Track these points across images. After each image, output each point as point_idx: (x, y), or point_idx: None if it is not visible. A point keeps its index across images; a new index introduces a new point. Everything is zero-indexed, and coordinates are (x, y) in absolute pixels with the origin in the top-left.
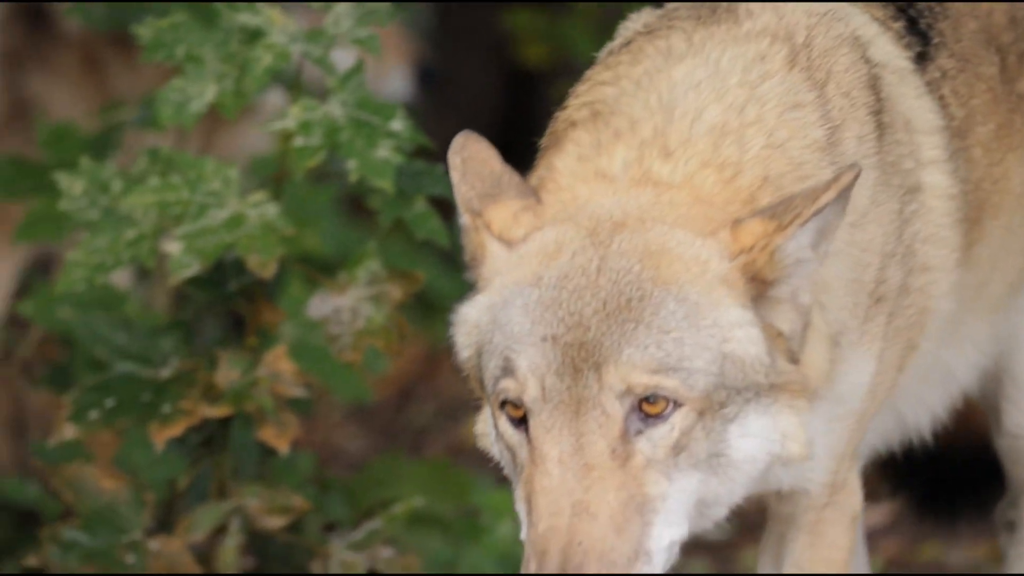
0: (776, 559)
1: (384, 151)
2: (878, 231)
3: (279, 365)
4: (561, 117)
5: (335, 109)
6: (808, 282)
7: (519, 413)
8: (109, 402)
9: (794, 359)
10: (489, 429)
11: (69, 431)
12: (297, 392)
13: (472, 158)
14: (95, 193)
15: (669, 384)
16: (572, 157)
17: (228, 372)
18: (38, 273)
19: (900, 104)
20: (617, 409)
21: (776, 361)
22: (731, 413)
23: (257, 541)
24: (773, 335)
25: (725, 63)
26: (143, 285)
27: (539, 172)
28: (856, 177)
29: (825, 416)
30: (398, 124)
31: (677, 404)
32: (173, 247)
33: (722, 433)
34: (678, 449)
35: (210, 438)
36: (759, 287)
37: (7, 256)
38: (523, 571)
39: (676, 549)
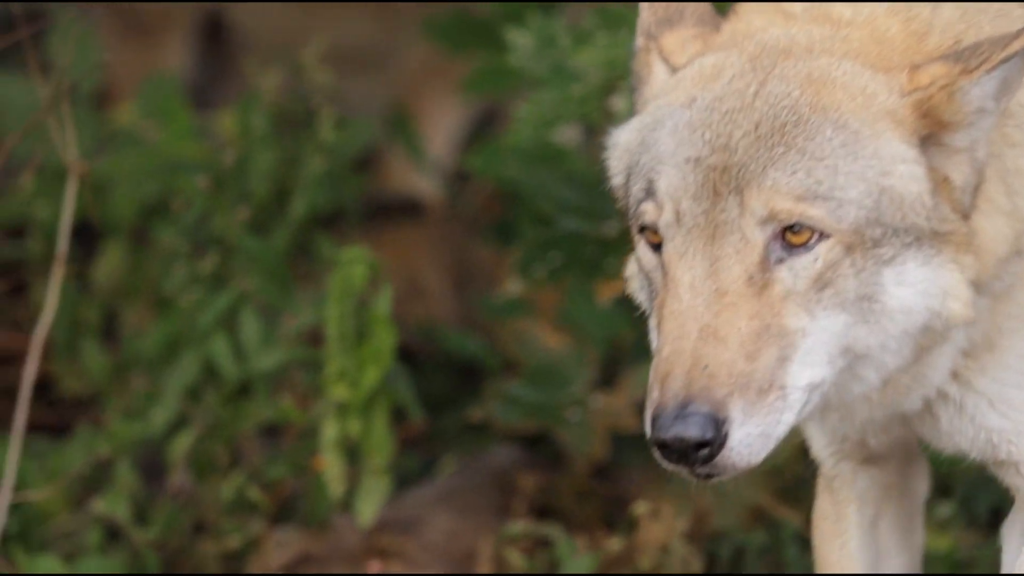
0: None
1: None
2: None
3: None
4: None
5: None
6: (986, 136)
7: (657, 238)
8: (554, 258)
9: (962, 212)
10: (635, 269)
11: (514, 286)
12: None
13: None
14: (543, 48)
15: (815, 212)
16: None
17: None
18: (484, 128)
19: None
20: (757, 235)
21: (940, 207)
22: (887, 255)
23: None
24: (940, 180)
25: None
26: (590, 142)
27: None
28: None
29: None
30: None
31: (823, 235)
32: (620, 104)
33: (875, 275)
34: (822, 284)
35: None
36: (934, 128)
37: (453, 109)
38: (647, 400)
39: (816, 395)
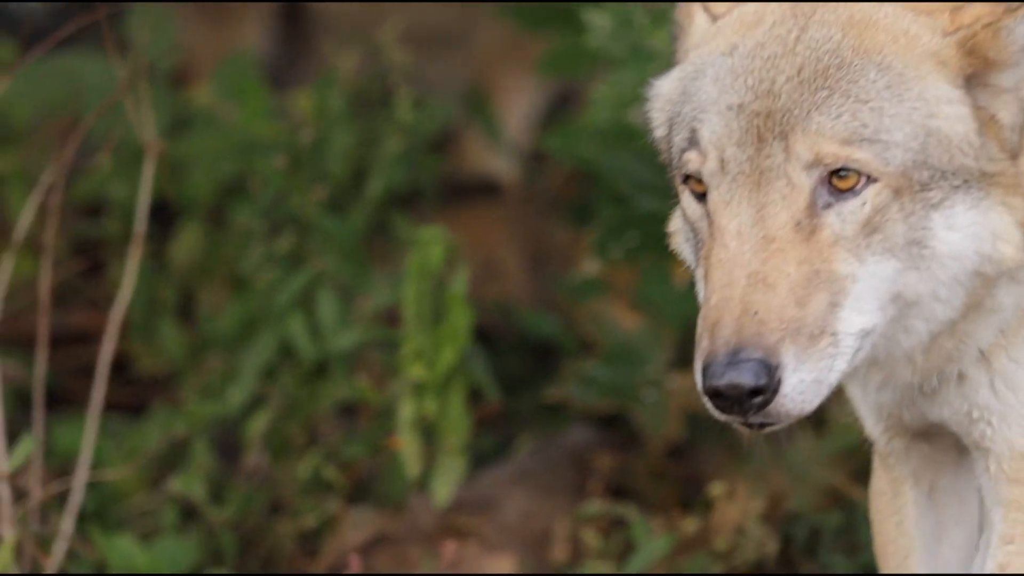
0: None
1: None
2: None
3: None
4: None
5: None
6: None
7: (702, 187)
8: (630, 238)
9: (1010, 152)
10: (681, 223)
11: (590, 266)
12: None
13: None
14: (621, 29)
15: (862, 156)
16: None
17: None
18: (561, 108)
19: None
20: (804, 180)
21: (988, 147)
22: (935, 198)
23: None
24: (986, 119)
25: None
26: None
27: None
28: None
29: None
30: None
31: (871, 179)
32: None
33: (924, 219)
34: (871, 228)
35: None
36: (978, 67)
37: (530, 90)
38: (696, 350)
39: (867, 343)
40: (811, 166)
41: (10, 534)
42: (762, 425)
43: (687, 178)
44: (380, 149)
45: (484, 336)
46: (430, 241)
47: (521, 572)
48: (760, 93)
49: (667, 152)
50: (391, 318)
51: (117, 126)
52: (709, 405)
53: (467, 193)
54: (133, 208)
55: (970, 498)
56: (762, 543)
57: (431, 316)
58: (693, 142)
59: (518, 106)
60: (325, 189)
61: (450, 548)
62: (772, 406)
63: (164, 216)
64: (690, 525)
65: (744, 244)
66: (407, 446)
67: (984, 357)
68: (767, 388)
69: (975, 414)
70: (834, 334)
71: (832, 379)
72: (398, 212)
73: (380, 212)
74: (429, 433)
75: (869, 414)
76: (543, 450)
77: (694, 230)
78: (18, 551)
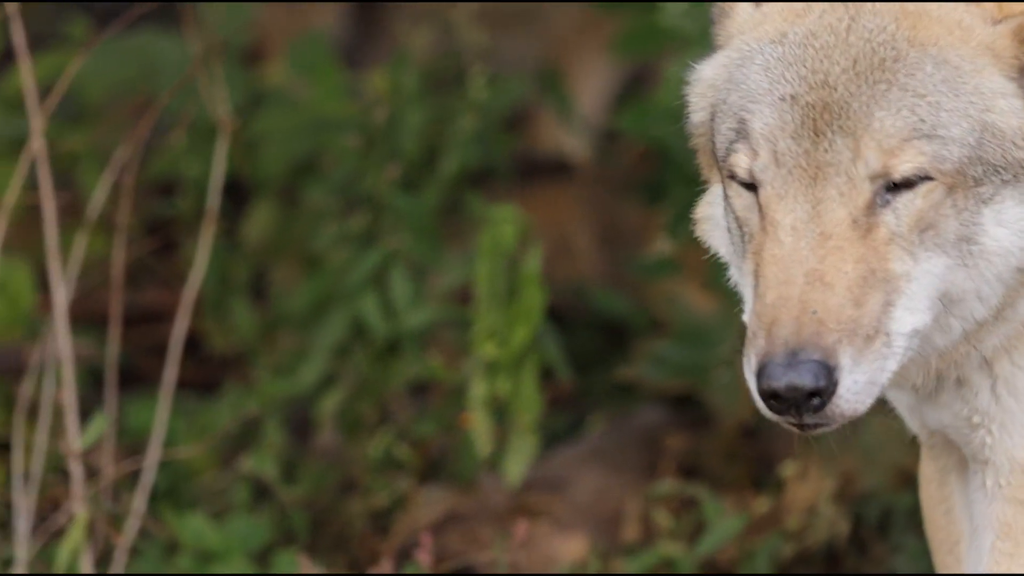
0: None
1: None
2: None
3: None
4: None
5: None
6: None
7: (751, 179)
8: None
9: None
10: (713, 210)
11: (663, 246)
12: None
13: None
14: (694, 8)
15: (922, 157)
16: None
17: None
18: (634, 87)
19: None
20: (865, 175)
21: None
22: (986, 193)
23: None
24: None
25: None
26: None
27: None
28: None
29: None
30: None
31: (927, 176)
32: None
33: (975, 215)
34: (924, 225)
35: None
36: None
37: (603, 68)
38: (749, 349)
39: (916, 342)
40: (876, 176)
41: (82, 512)
42: (814, 426)
43: (734, 171)
44: (453, 127)
45: (556, 315)
46: (503, 220)
47: (592, 551)
48: (814, 84)
49: (705, 138)
50: (463, 297)
51: (190, 104)
52: (762, 406)
53: (540, 172)
54: (206, 186)
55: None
56: (833, 523)
57: (504, 295)
58: (743, 133)
59: (591, 85)
60: (398, 168)
61: (521, 527)
62: (828, 407)
63: (237, 194)
64: (762, 505)
65: (800, 240)
66: (479, 425)
67: (986, 362)
68: (826, 390)
69: (975, 419)
70: (887, 334)
71: (884, 380)
72: (471, 191)
73: (453, 191)
74: (501, 412)
75: (902, 410)
76: (615, 430)
77: (739, 221)
78: (90, 529)
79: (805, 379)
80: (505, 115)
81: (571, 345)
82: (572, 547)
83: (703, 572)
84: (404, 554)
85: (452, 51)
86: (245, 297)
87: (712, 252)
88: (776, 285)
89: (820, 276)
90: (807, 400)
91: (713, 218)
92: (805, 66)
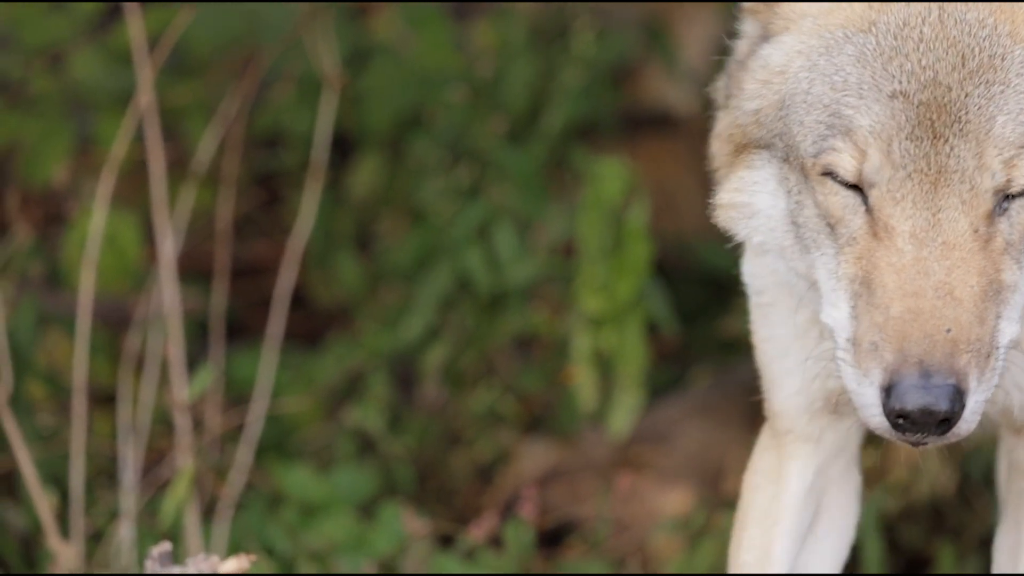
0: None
1: None
2: None
3: None
4: None
5: None
6: None
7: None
8: None
9: None
10: (743, 197)
11: None
12: None
13: None
14: None
15: None
16: None
17: None
18: None
19: None
20: (989, 186)
21: None
22: None
23: None
24: None
25: None
26: None
27: None
28: None
29: None
30: None
31: None
32: None
33: None
34: None
35: None
36: None
37: (707, 20)
38: (868, 360)
39: (1004, 355)
40: (1000, 187)
41: (188, 464)
42: (931, 443)
43: (828, 169)
44: (559, 81)
45: (661, 269)
46: (608, 174)
47: (695, 504)
48: (925, 82)
49: (761, 128)
50: (568, 250)
51: (297, 58)
52: (880, 421)
53: (645, 125)
54: (312, 140)
55: (851, 510)
56: (938, 478)
57: (609, 249)
58: (841, 129)
59: (696, 37)
60: (504, 121)
61: (625, 480)
62: (952, 430)
63: (343, 148)
64: (867, 459)
65: (922, 249)
66: (583, 378)
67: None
68: (958, 415)
69: None
70: (997, 348)
71: (990, 395)
72: (576, 145)
73: (559, 145)
74: (605, 366)
75: (812, 392)
76: (719, 383)
77: (830, 219)
78: (196, 481)
79: (941, 405)
80: (611, 69)
81: (675, 299)
82: (675, 500)
83: None
84: (508, 507)
85: (558, 5)
86: (350, 250)
87: (739, 238)
88: (903, 297)
89: (950, 290)
90: (938, 425)
91: (746, 205)
92: (908, 60)
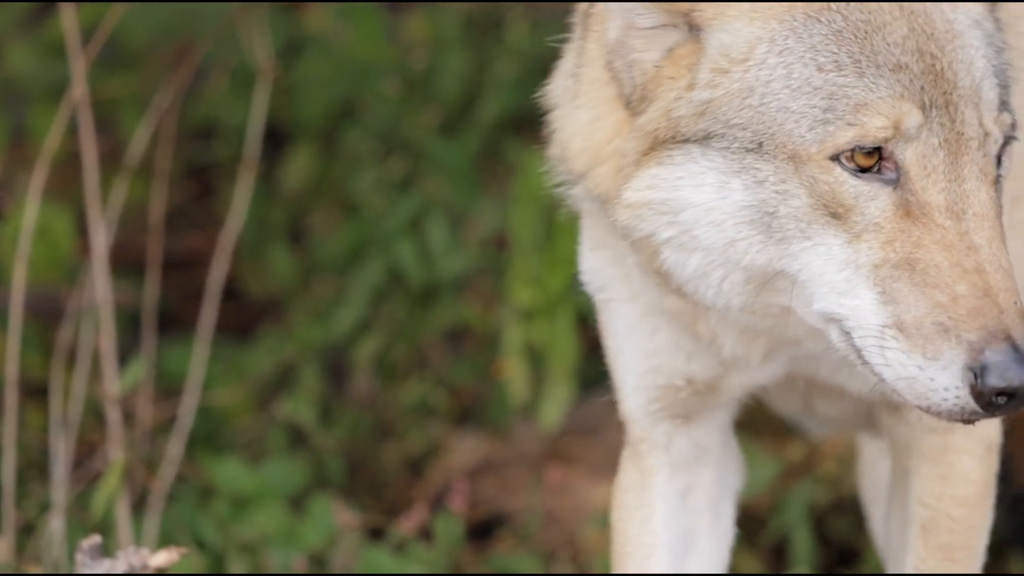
0: (900, 498)
1: None
2: None
3: None
4: None
5: None
6: None
7: (869, 161)
8: None
9: None
10: (659, 194)
11: None
12: None
13: None
14: None
15: (1011, 119)
16: None
17: None
18: None
19: None
20: (995, 152)
21: None
22: None
23: None
24: None
25: None
26: None
27: None
28: None
29: None
30: None
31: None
32: None
33: None
34: None
35: None
36: None
37: None
38: (939, 343)
39: None
40: (999, 151)
41: (119, 457)
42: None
43: (839, 152)
44: (492, 74)
45: None
46: (541, 166)
47: None
48: (913, 52)
49: (721, 119)
50: (500, 243)
51: (231, 50)
52: (964, 404)
53: None
54: (245, 132)
55: (726, 513)
56: None
57: (540, 241)
58: (850, 108)
59: None
60: (437, 114)
61: (556, 473)
62: None
63: (276, 140)
64: (796, 451)
65: (961, 223)
66: (514, 371)
67: None
68: None
69: None
70: None
71: None
72: (510, 137)
73: (492, 137)
74: (536, 358)
75: (639, 394)
76: None
77: (831, 210)
78: (127, 474)
79: None
80: (544, 61)
81: None
82: (606, 493)
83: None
84: (438, 500)
85: None
86: (283, 242)
87: (638, 235)
88: (964, 274)
89: (1000, 263)
90: None
91: (665, 202)
92: (888, 33)
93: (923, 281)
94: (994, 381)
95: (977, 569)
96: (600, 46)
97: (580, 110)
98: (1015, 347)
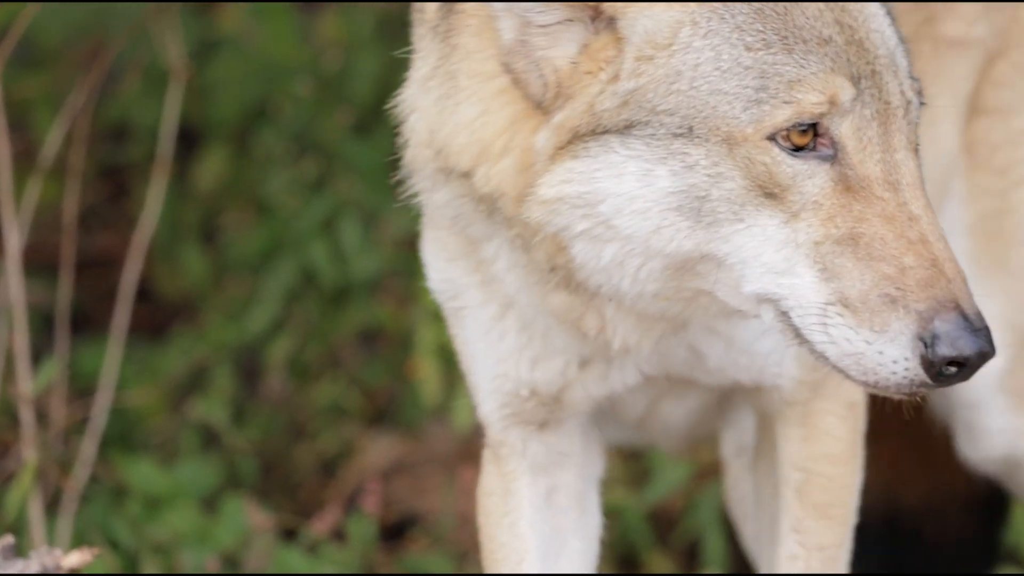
0: (769, 472)
1: None
2: None
3: None
4: None
5: None
6: None
7: (804, 140)
8: None
9: None
10: (578, 188)
11: None
12: None
13: None
14: None
15: (919, 85)
16: None
17: None
18: None
19: None
20: (915, 119)
21: None
22: None
23: None
24: None
25: None
26: None
27: None
28: None
29: None
30: None
31: None
32: None
33: None
34: None
35: None
36: None
37: None
38: (886, 313)
39: None
40: (918, 105)
41: (32, 457)
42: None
43: (775, 132)
44: (406, 74)
45: None
46: None
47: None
48: (834, 25)
49: (646, 107)
50: (413, 244)
51: (144, 50)
52: (913, 375)
53: None
54: (158, 132)
55: (591, 507)
56: None
57: None
58: (783, 85)
59: None
60: (350, 114)
61: (469, 474)
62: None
63: (189, 140)
64: (709, 453)
65: (898, 194)
66: (427, 372)
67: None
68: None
69: (761, 361)
70: None
71: None
72: None
73: None
74: (449, 359)
75: (492, 398)
76: None
77: (767, 191)
78: (40, 474)
79: (989, 347)
80: None
81: None
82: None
83: (651, 518)
84: (351, 501)
85: None
86: (196, 243)
87: (550, 230)
88: (910, 244)
89: (938, 232)
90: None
91: (582, 195)
92: (803, 9)
93: (868, 255)
94: (945, 350)
95: (852, 525)
96: (480, 40)
97: (462, 106)
98: (964, 316)
